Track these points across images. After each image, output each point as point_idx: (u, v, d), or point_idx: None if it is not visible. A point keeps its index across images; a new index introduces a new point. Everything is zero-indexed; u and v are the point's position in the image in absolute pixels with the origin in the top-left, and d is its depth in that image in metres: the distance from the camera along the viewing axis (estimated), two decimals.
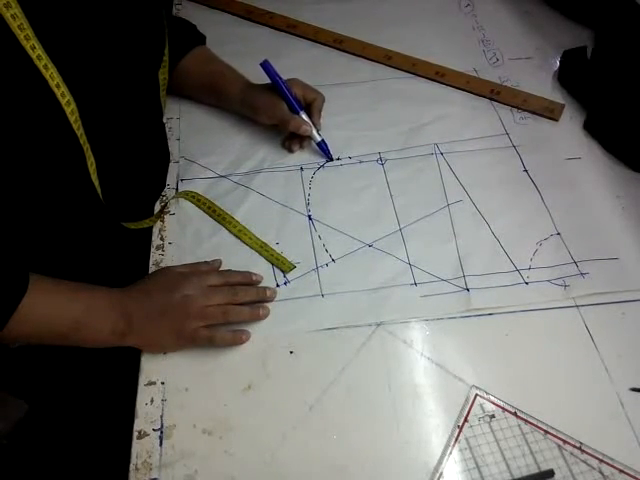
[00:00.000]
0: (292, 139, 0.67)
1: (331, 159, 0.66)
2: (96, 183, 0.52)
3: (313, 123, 0.66)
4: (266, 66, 0.64)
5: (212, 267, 0.56)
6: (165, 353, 0.51)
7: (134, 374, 0.50)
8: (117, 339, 0.50)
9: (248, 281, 0.55)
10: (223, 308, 0.51)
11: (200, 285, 0.51)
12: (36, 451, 0.72)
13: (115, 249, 0.61)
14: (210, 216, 0.61)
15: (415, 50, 0.77)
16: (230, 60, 0.71)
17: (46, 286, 0.49)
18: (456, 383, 0.49)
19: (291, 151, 0.67)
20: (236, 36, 0.81)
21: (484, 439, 0.46)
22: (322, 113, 0.68)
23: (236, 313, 0.51)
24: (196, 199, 0.62)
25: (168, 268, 0.55)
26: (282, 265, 0.57)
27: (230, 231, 0.59)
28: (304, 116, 0.65)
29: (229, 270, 0.56)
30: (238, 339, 0.51)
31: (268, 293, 0.54)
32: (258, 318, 0.53)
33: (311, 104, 0.67)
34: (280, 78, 0.64)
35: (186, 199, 0.62)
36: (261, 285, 0.55)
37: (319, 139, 0.66)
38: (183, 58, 0.69)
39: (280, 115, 0.65)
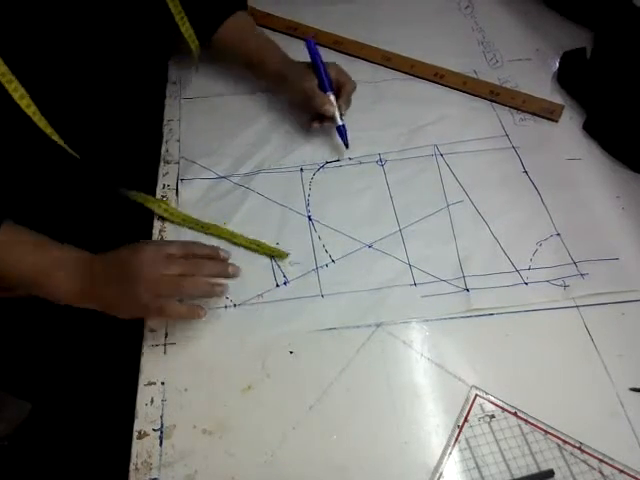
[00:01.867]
0: (315, 115, 0.67)
1: (347, 146, 0.66)
2: (40, 124, 0.50)
3: (339, 106, 0.65)
4: (309, 43, 0.65)
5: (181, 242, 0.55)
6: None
7: (134, 374, 0.50)
8: (77, 299, 0.50)
9: (214, 256, 0.53)
10: (178, 279, 0.49)
11: (158, 253, 0.49)
12: (36, 451, 0.72)
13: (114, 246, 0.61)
14: (190, 229, 0.60)
15: (414, 51, 0.77)
16: (227, 66, 0.71)
17: (19, 232, 0.49)
18: (456, 383, 0.49)
19: (310, 127, 0.67)
20: None
21: (484, 439, 0.46)
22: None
23: (190, 286, 0.49)
24: (169, 212, 0.60)
25: (142, 242, 0.52)
26: (278, 254, 0.57)
27: (220, 237, 0.59)
28: (332, 97, 0.65)
29: (197, 242, 0.54)
30: (194, 313, 0.50)
31: (230, 269, 0.52)
32: (212, 295, 0.51)
33: (342, 88, 0.66)
34: (319, 56, 0.65)
35: (157, 212, 0.60)
36: (260, 285, 0.55)
37: (340, 123, 0.65)
38: (225, 22, 0.68)
39: (307, 88, 0.64)
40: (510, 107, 0.71)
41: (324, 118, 0.66)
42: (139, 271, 0.48)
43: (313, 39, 0.66)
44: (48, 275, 0.49)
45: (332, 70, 0.66)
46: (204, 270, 0.50)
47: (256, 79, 0.72)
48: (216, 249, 0.53)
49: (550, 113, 0.70)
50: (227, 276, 0.52)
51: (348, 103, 0.67)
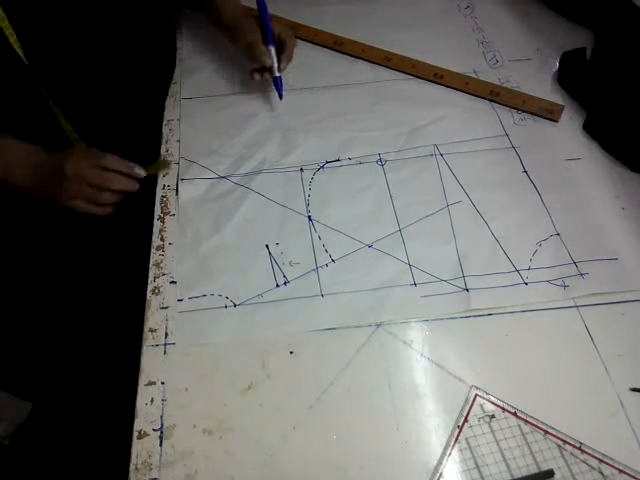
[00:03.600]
0: (256, 69, 0.71)
1: (280, 97, 0.70)
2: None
3: (279, 60, 0.69)
4: None
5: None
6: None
7: (134, 374, 0.50)
8: (31, 190, 0.59)
9: (127, 171, 0.62)
10: (88, 191, 0.60)
11: (87, 161, 0.60)
12: (37, 451, 0.72)
13: (115, 248, 0.61)
14: None
15: (415, 52, 0.77)
16: (230, 63, 0.71)
17: None
18: (456, 383, 0.49)
19: (252, 78, 0.71)
20: None
21: (484, 439, 0.46)
22: (320, 111, 0.70)
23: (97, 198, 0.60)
24: None
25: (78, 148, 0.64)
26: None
27: None
28: (272, 50, 0.69)
29: (113, 156, 0.62)
30: (102, 211, 0.61)
31: (136, 187, 0.62)
32: (100, 213, 0.61)
33: (283, 43, 0.71)
34: (265, 8, 0.68)
35: None
36: (260, 285, 0.55)
37: (277, 74, 0.70)
38: None
39: (250, 40, 0.68)
40: (510, 107, 0.71)
41: (264, 70, 0.70)
42: (66, 175, 0.58)
43: None
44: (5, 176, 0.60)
45: (276, 27, 0.70)
46: (115, 186, 0.61)
47: (215, 30, 0.76)
48: (132, 166, 0.62)
49: (550, 113, 0.70)
50: (132, 190, 0.62)
51: (289, 59, 0.71)
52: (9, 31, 0.52)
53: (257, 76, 0.71)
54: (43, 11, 0.54)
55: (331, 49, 0.80)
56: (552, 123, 0.70)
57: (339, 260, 0.58)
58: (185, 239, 0.59)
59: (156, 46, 0.69)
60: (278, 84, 0.70)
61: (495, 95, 0.72)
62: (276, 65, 0.69)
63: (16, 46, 0.53)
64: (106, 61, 0.60)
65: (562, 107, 0.70)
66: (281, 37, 0.70)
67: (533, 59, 0.78)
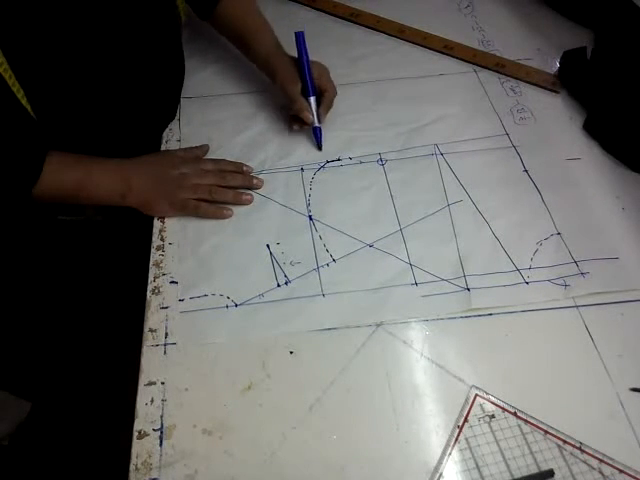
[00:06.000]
0: (296, 118, 0.68)
1: (319, 148, 0.67)
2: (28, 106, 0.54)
3: (319, 112, 0.67)
4: (300, 36, 0.66)
5: (204, 151, 0.65)
6: (161, 220, 0.60)
7: (134, 374, 0.50)
8: (118, 198, 0.58)
9: (239, 170, 0.63)
10: (211, 187, 0.60)
11: (196, 167, 0.61)
12: (37, 451, 0.72)
13: (115, 247, 0.61)
14: None
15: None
16: (231, 63, 0.71)
17: (55, 159, 0.55)
18: (456, 383, 0.49)
19: (290, 128, 0.69)
20: None
21: (484, 439, 0.46)
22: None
23: (221, 193, 0.60)
24: None
25: (168, 150, 0.65)
26: None
27: None
28: (313, 101, 0.66)
29: (223, 159, 0.64)
30: (220, 213, 0.59)
31: (255, 181, 0.62)
32: (241, 201, 0.61)
33: (324, 93, 0.68)
34: (307, 57, 0.66)
35: None
36: (261, 284, 0.55)
37: (316, 125, 0.67)
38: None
39: (291, 93, 0.66)
40: (514, 78, 0.74)
41: (304, 121, 0.67)
42: (180, 180, 0.59)
43: (303, 34, 0.66)
44: (87, 184, 0.57)
45: (315, 70, 0.67)
46: (232, 182, 0.61)
47: (252, 61, 0.73)
48: (240, 164, 0.64)
49: (552, 85, 0.72)
50: (252, 187, 0.62)
51: (329, 108, 0.68)
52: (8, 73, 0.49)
53: (296, 127, 0.68)
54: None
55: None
56: (552, 122, 0.70)
57: (340, 260, 0.57)
58: (186, 239, 0.59)
59: (165, 65, 0.67)
60: (317, 134, 0.67)
61: (501, 67, 0.75)
62: (316, 116, 0.66)
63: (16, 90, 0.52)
64: (116, 77, 0.60)
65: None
66: (321, 86, 0.67)
67: (533, 59, 0.78)
